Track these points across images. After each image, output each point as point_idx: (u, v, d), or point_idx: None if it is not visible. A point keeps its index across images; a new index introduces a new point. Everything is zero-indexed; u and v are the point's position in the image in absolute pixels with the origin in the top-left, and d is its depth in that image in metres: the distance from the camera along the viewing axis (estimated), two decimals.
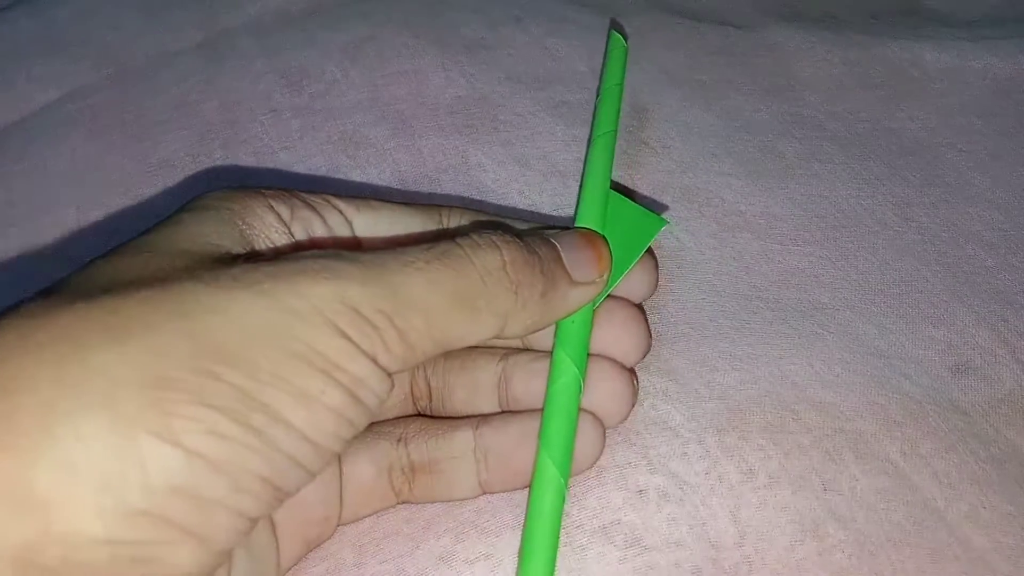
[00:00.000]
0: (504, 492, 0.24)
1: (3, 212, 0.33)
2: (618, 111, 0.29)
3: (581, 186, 0.27)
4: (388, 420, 0.25)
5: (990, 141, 0.34)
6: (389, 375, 0.20)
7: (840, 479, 0.24)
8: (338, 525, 0.24)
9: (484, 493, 0.24)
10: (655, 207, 0.31)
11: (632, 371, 0.25)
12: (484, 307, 0.21)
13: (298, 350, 0.18)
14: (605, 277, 0.24)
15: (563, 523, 0.24)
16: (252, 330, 0.18)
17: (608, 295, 0.25)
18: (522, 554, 0.22)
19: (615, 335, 0.25)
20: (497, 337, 0.22)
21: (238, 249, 0.21)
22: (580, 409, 0.24)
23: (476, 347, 0.25)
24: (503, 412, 0.25)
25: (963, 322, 0.28)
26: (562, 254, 0.23)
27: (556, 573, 0.22)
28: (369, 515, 0.24)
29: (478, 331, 0.21)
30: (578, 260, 0.24)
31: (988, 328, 0.28)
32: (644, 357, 0.26)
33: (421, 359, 0.20)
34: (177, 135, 0.35)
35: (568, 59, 0.36)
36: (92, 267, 0.19)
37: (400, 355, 0.20)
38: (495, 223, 0.25)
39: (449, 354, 0.25)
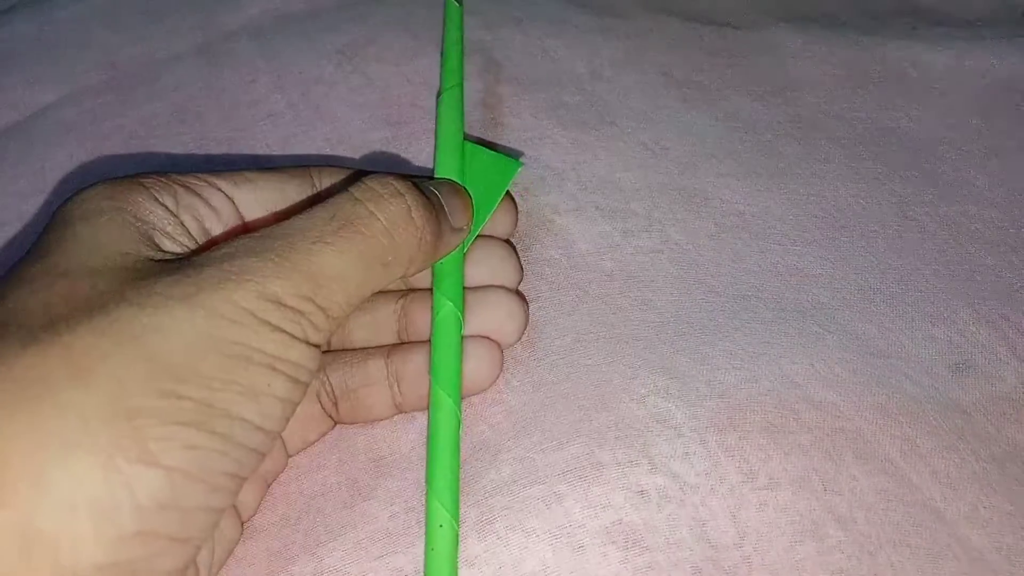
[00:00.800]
0: (418, 411, 0.26)
1: (0, 215, 0.33)
2: (461, 66, 0.32)
3: (436, 139, 0.30)
4: None
5: (989, 141, 0.34)
6: (318, 348, 0.21)
7: (840, 479, 0.24)
8: (289, 456, 0.26)
9: (399, 413, 0.26)
10: (514, 155, 0.32)
11: (519, 292, 0.28)
12: (393, 260, 0.23)
13: (240, 352, 0.19)
14: (468, 227, 0.27)
15: (564, 522, 0.24)
16: (196, 343, 0.19)
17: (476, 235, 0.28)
18: (427, 475, 0.24)
19: (494, 267, 0.27)
20: (402, 279, 0.24)
21: (147, 251, 0.21)
22: (467, 337, 0.26)
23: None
24: (406, 343, 0.27)
25: (963, 320, 0.28)
26: (445, 206, 0.25)
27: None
28: (315, 441, 0.26)
29: (387, 281, 0.23)
30: (454, 207, 0.26)
31: (989, 326, 0.28)
32: (517, 284, 0.28)
33: (340, 324, 0.22)
34: (177, 139, 0.35)
35: (567, 61, 0.36)
36: (8, 298, 0.20)
37: (326, 328, 0.21)
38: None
39: None
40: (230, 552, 0.24)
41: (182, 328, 0.19)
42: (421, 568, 0.23)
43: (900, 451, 0.25)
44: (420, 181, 0.25)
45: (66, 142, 0.35)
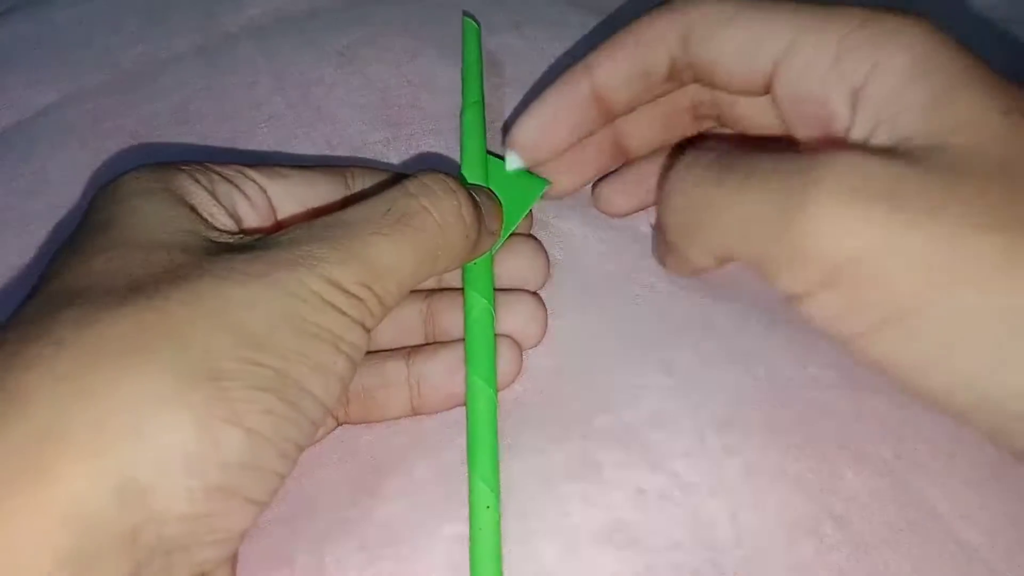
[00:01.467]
0: (436, 413, 0.27)
1: (1, 216, 0.33)
2: (481, 82, 0.32)
3: (461, 153, 0.30)
4: None
5: None
6: (369, 333, 0.22)
7: (837, 479, 0.25)
8: None
9: (415, 414, 0.27)
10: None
11: (539, 296, 0.28)
12: (442, 255, 0.24)
13: (311, 330, 0.20)
14: (500, 229, 0.28)
15: (564, 522, 0.24)
16: (274, 317, 0.20)
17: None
18: (470, 460, 0.25)
19: (523, 266, 0.28)
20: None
21: (204, 231, 0.22)
22: (497, 334, 0.27)
23: None
24: (431, 343, 0.27)
25: None
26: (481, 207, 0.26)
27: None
28: (320, 438, 0.27)
29: (434, 275, 0.24)
30: (489, 211, 0.26)
31: None
32: (544, 283, 0.29)
33: (391, 310, 0.23)
34: (178, 140, 0.35)
35: (568, 63, 0.37)
36: (84, 265, 0.21)
37: (379, 315, 0.22)
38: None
39: None
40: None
41: (262, 302, 0.20)
42: (421, 567, 0.23)
43: (895, 452, 0.25)
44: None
45: (67, 142, 0.35)
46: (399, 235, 0.22)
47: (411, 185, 0.24)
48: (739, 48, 0.24)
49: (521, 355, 0.27)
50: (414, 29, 0.38)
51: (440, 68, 0.36)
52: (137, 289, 0.20)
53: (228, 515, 0.19)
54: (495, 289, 0.27)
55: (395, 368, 0.26)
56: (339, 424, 0.27)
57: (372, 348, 0.27)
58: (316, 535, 0.25)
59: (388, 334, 0.27)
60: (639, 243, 0.30)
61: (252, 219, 0.25)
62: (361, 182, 0.28)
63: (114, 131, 0.35)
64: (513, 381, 0.27)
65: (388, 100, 0.36)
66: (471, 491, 0.24)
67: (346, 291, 0.21)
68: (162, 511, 0.18)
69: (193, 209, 0.23)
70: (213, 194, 0.24)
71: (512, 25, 0.38)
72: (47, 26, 0.40)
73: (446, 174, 0.25)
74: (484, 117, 0.31)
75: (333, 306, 0.21)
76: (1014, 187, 0.19)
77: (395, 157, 0.34)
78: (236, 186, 0.25)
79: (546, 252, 0.29)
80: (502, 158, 0.29)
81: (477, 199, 0.25)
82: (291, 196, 0.26)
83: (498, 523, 0.24)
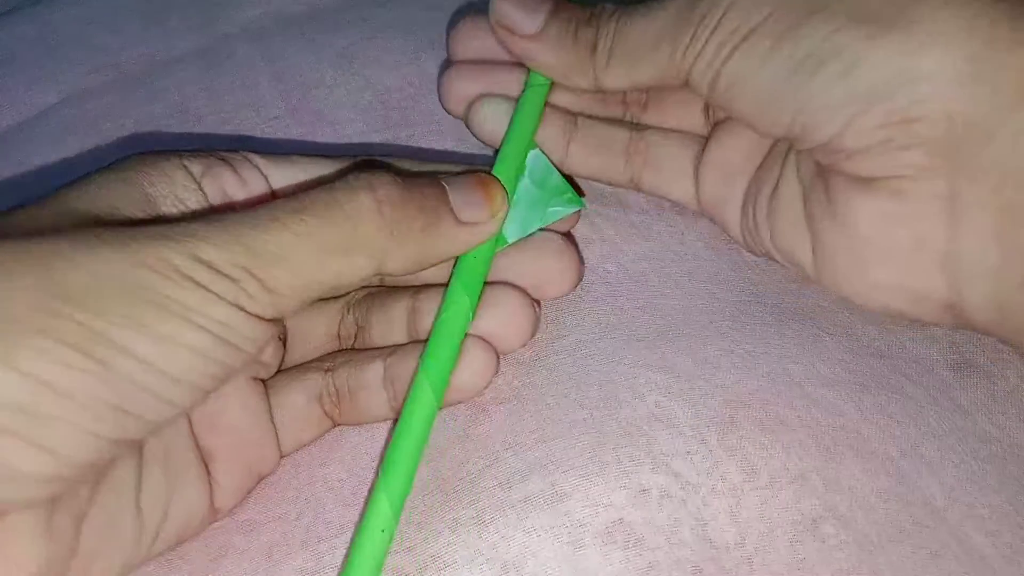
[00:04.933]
0: None
1: None
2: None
3: (507, 131, 0.29)
4: (319, 357, 0.27)
5: None
6: (264, 320, 0.21)
7: (840, 478, 0.24)
8: (283, 456, 0.26)
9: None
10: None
11: (535, 301, 0.27)
12: (357, 250, 0.23)
13: (151, 298, 0.20)
14: (499, 217, 0.26)
15: (565, 521, 0.24)
16: (105, 280, 0.19)
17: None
18: (381, 470, 0.23)
19: (538, 266, 0.27)
20: (383, 274, 0.24)
21: (138, 214, 0.22)
22: (470, 335, 0.26)
23: (393, 285, 0.28)
24: (407, 343, 0.27)
25: None
26: (449, 194, 0.25)
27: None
28: (312, 440, 0.26)
29: (353, 272, 0.23)
30: (466, 201, 0.25)
31: None
32: (571, 288, 0.28)
33: (299, 303, 0.22)
34: (177, 143, 0.35)
35: None
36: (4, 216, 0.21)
37: (268, 302, 0.21)
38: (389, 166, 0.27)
39: (370, 293, 0.28)
40: (195, 525, 0.24)
41: (96, 264, 0.19)
42: (422, 568, 0.23)
43: (900, 451, 0.25)
44: (429, 175, 0.25)
45: (67, 143, 0.35)
46: (300, 225, 0.22)
47: (337, 180, 0.23)
48: None
49: (496, 361, 0.26)
50: (414, 30, 0.38)
51: (440, 69, 0.36)
52: None
53: (8, 452, 0.18)
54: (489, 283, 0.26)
55: (374, 369, 0.26)
56: (335, 425, 0.27)
57: (370, 345, 0.27)
58: (315, 533, 0.24)
59: (380, 330, 0.27)
60: (640, 240, 0.30)
61: (241, 197, 0.25)
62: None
63: (113, 132, 0.35)
64: (483, 390, 0.26)
65: (388, 102, 0.36)
66: (370, 505, 0.23)
67: (215, 269, 0.20)
68: None
69: (151, 192, 0.23)
70: (196, 175, 0.24)
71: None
72: (47, 26, 0.40)
73: (383, 171, 0.24)
74: (543, 106, 0.30)
75: (191, 279, 0.20)
76: None
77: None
78: (231, 166, 0.25)
79: (578, 253, 0.28)
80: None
81: (426, 191, 0.24)
82: (292, 181, 0.26)
83: (385, 552, 0.23)
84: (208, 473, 0.24)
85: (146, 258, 0.20)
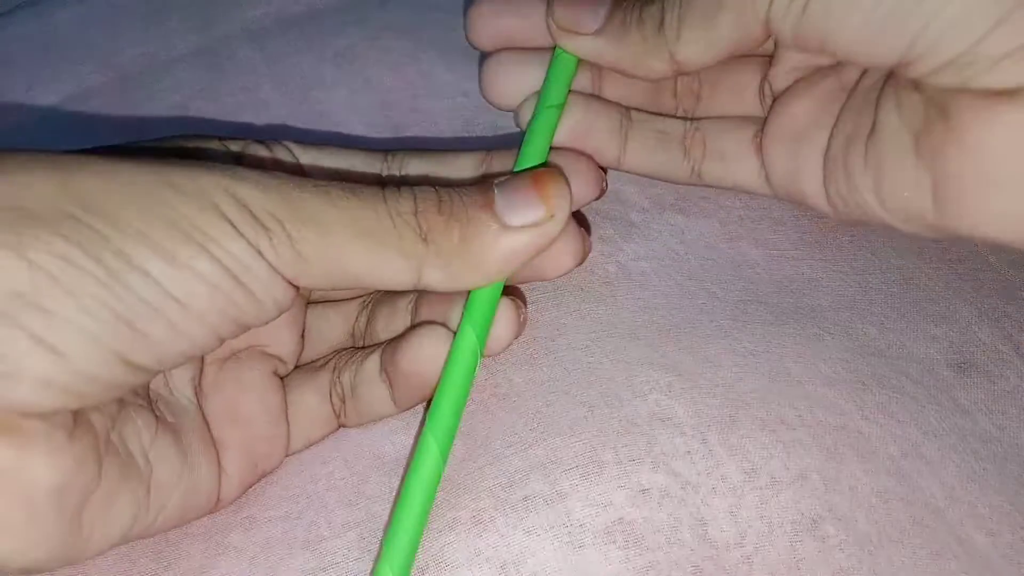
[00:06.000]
0: (416, 407, 0.26)
1: None
2: (567, 88, 0.29)
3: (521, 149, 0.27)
4: (331, 354, 0.27)
5: None
6: (283, 278, 0.21)
7: (841, 478, 0.24)
8: (292, 453, 0.26)
9: (400, 411, 0.26)
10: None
11: (522, 303, 0.26)
12: (392, 245, 0.22)
13: (171, 217, 0.19)
14: (559, 216, 0.24)
15: (565, 521, 0.24)
16: (128, 194, 0.19)
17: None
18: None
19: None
20: (425, 287, 0.23)
21: None
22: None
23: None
24: (396, 337, 0.26)
25: (965, 319, 0.28)
26: (496, 198, 0.23)
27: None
28: (317, 441, 0.26)
29: (386, 269, 0.22)
30: (513, 203, 0.23)
31: (990, 324, 0.28)
32: (574, 266, 0.27)
33: (321, 278, 0.22)
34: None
35: None
36: None
37: (291, 261, 0.21)
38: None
39: (388, 293, 0.27)
40: (197, 510, 0.24)
41: (121, 178, 0.19)
42: (422, 568, 0.23)
43: (901, 450, 0.25)
44: (481, 181, 0.25)
45: (67, 143, 0.35)
46: (342, 198, 0.22)
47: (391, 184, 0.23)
48: None
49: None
50: (415, 31, 0.38)
51: (441, 70, 0.36)
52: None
53: (11, 344, 0.18)
54: None
55: (372, 362, 0.26)
56: (340, 426, 0.27)
57: (368, 344, 0.27)
58: (317, 532, 0.24)
59: (380, 327, 0.27)
60: (640, 240, 0.30)
61: None
62: (399, 163, 0.28)
63: (114, 133, 0.35)
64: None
65: (389, 102, 0.36)
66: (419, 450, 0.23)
67: (247, 209, 0.20)
68: None
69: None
70: (236, 152, 0.25)
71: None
72: (47, 27, 0.40)
73: (436, 187, 0.23)
74: (556, 122, 0.28)
75: (217, 209, 0.20)
76: None
77: None
78: (266, 146, 0.26)
79: (581, 231, 0.27)
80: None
81: (462, 199, 0.23)
82: (322, 164, 0.27)
83: (433, 497, 0.23)
84: (218, 462, 0.24)
85: (176, 179, 0.20)
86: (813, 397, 0.26)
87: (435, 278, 0.23)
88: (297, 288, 0.22)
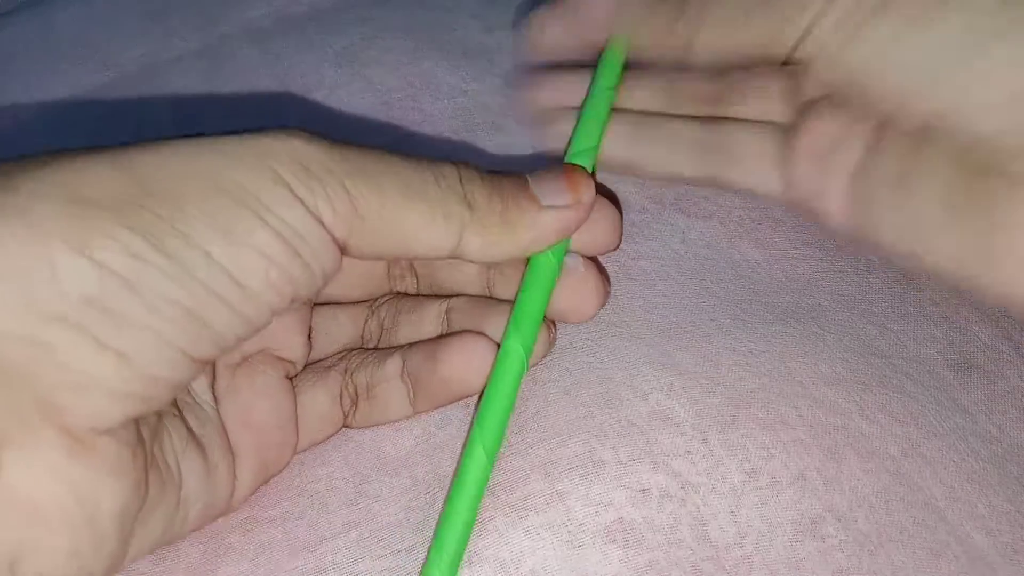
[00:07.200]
0: (435, 410, 0.26)
1: None
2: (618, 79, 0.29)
3: (573, 132, 0.28)
4: (339, 354, 0.27)
5: None
6: (335, 246, 0.21)
7: (841, 478, 0.24)
8: (296, 453, 0.26)
9: (416, 414, 0.26)
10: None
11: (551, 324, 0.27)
12: (439, 208, 0.22)
13: (226, 187, 0.19)
14: (585, 201, 0.25)
15: (565, 520, 0.24)
16: (185, 170, 0.19)
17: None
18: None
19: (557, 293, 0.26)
20: (460, 257, 0.23)
21: None
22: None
23: (425, 293, 0.27)
24: (423, 341, 0.26)
25: (965, 319, 0.28)
26: (530, 183, 0.24)
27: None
28: (321, 441, 0.26)
29: (431, 232, 0.22)
30: (547, 186, 0.24)
31: (990, 324, 0.28)
32: (592, 315, 0.27)
33: (371, 240, 0.21)
34: None
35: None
36: None
37: (347, 220, 0.20)
38: None
39: (396, 296, 0.28)
40: (212, 514, 0.24)
41: (178, 158, 0.19)
42: (422, 567, 0.23)
43: (901, 450, 0.25)
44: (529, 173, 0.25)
45: (67, 143, 0.35)
46: (392, 160, 0.22)
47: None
48: None
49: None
50: (415, 31, 0.38)
51: (441, 70, 0.36)
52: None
53: (81, 351, 0.17)
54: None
55: (392, 363, 0.26)
56: (345, 426, 0.27)
57: (384, 345, 0.27)
58: (318, 532, 0.24)
59: (403, 334, 0.27)
60: (640, 240, 0.30)
61: None
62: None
63: (114, 133, 0.35)
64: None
65: (389, 102, 0.36)
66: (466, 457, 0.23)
67: (306, 168, 0.20)
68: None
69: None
70: None
71: (511, 24, 0.38)
72: (47, 27, 0.40)
73: (489, 170, 0.24)
74: (611, 105, 0.28)
75: (275, 172, 0.19)
76: None
77: None
78: None
79: (602, 278, 0.27)
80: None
81: (501, 180, 0.24)
82: None
83: (480, 499, 0.23)
84: (233, 466, 0.24)
85: (234, 148, 0.19)
86: (813, 397, 0.26)
87: (473, 245, 0.23)
88: (342, 256, 0.21)
